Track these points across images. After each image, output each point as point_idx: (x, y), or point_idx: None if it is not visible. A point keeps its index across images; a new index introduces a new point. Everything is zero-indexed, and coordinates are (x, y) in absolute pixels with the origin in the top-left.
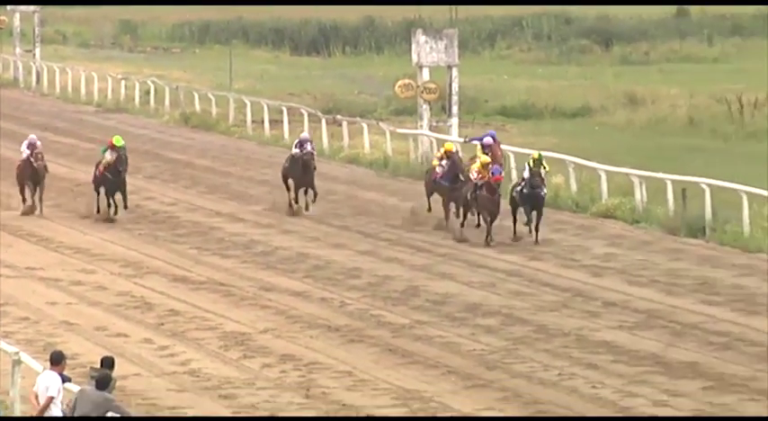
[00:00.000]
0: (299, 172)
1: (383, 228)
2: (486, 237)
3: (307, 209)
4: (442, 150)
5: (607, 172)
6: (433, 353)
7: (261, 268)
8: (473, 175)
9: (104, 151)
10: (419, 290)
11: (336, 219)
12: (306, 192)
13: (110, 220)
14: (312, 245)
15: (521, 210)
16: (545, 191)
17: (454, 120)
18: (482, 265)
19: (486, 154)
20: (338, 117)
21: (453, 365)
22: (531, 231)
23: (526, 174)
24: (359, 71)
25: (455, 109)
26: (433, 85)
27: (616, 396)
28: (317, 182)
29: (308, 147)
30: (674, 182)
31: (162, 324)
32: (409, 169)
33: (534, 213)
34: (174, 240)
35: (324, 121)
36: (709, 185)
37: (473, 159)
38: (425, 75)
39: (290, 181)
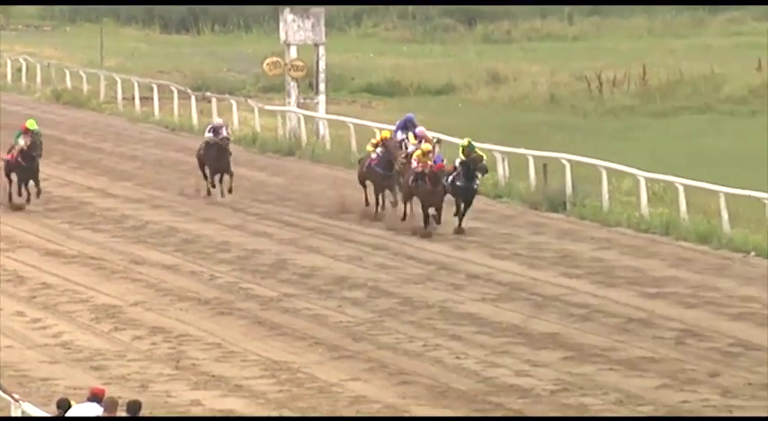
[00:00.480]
0: (214, 157)
1: (251, 202)
2: (425, 224)
3: (223, 195)
4: (378, 137)
5: None
6: (301, 325)
7: (132, 242)
8: (415, 162)
9: (18, 136)
10: (287, 263)
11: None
12: (221, 179)
13: (20, 208)
14: (182, 219)
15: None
16: (478, 183)
17: (321, 98)
18: (349, 239)
19: (419, 142)
20: (207, 94)
21: (320, 337)
22: (459, 223)
23: (458, 163)
24: (228, 49)
25: (322, 86)
26: (300, 63)
27: (479, 366)
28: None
29: (224, 132)
30: (535, 157)
31: (34, 297)
32: (277, 145)
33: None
34: (45, 215)
35: (193, 98)
36: (569, 161)
37: (407, 156)
38: (293, 53)
39: (207, 167)
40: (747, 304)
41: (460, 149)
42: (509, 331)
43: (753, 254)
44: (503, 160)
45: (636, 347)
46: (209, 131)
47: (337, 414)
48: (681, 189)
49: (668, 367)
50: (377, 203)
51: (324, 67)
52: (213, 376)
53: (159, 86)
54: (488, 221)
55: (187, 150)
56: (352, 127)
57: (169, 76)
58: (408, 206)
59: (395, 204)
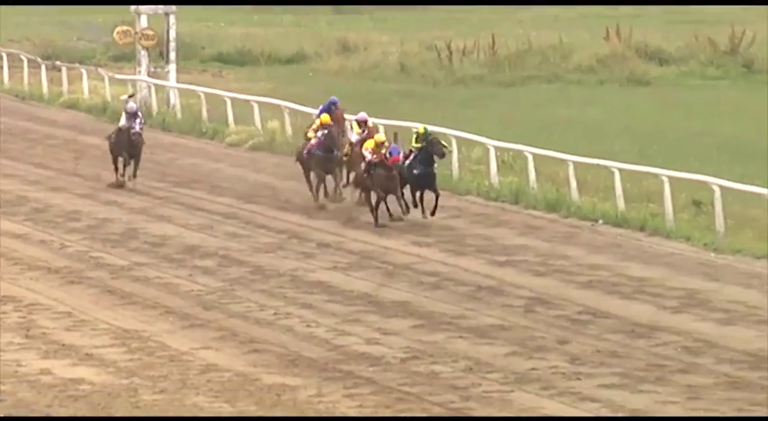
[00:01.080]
0: (126, 146)
1: (102, 172)
2: (385, 214)
3: (129, 179)
4: (318, 122)
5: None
6: (152, 294)
7: None
8: (369, 153)
9: None
10: (138, 232)
11: (56, 163)
12: (128, 163)
13: None
14: (32, 188)
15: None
16: (436, 166)
17: (172, 67)
18: (199, 208)
19: (363, 131)
20: (57, 63)
21: (171, 306)
22: (423, 212)
23: (414, 149)
24: (78, 18)
25: (173, 55)
26: (150, 32)
27: (330, 334)
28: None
29: (137, 125)
30: (386, 126)
31: None
32: None
33: (418, 193)
34: None
35: (43, 67)
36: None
37: (352, 144)
38: (143, 22)
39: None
40: (596, 272)
41: (414, 136)
42: (359, 300)
43: (600, 222)
44: (350, 128)
45: (485, 315)
46: (124, 111)
47: (188, 382)
48: (530, 157)
49: (517, 334)
50: (317, 190)
51: (174, 35)
52: (63, 345)
53: (9, 55)
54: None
55: (37, 119)
56: (202, 96)
57: (19, 46)
58: (360, 194)
59: (336, 189)
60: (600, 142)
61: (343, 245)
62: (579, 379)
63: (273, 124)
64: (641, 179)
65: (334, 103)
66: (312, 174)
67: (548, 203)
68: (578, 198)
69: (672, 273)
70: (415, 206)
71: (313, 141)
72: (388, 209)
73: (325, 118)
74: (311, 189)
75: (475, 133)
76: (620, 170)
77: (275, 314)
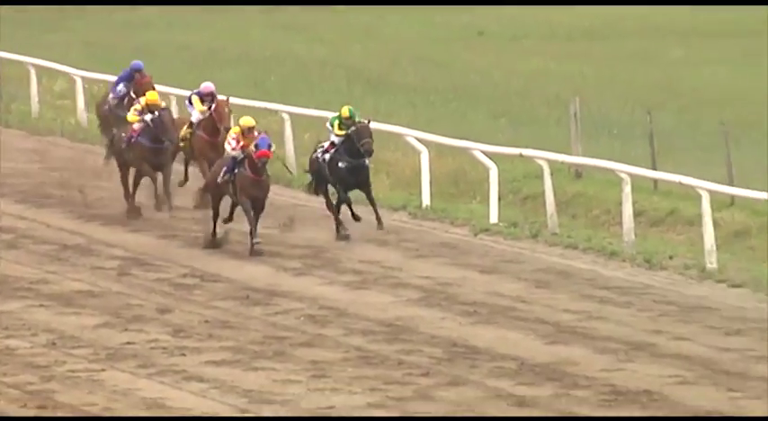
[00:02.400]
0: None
1: None
2: (251, 238)
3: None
4: (142, 102)
5: None
6: None
7: None
8: (229, 145)
9: None
10: None
11: None
12: None
13: None
14: None
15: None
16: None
17: None
18: None
19: (209, 108)
20: None
21: None
22: (352, 215)
23: (335, 139)
24: None
25: None
26: None
27: None
28: None
29: None
30: None
31: None
32: None
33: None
34: None
35: None
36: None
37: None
38: None
39: None
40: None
41: (336, 122)
42: None
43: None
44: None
45: (71, 279)
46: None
47: None
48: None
49: (110, 302)
50: (133, 190)
51: None
52: None
53: None
54: None
55: None
56: None
57: None
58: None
59: (166, 189)
60: (211, 71)
61: None
62: (184, 354)
63: None
64: (261, 116)
65: (137, 69)
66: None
67: None
68: None
69: (297, 225)
70: (337, 204)
71: (135, 126)
72: (253, 237)
73: (152, 96)
74: (127, 190)
75: (57, 61)
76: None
77: None
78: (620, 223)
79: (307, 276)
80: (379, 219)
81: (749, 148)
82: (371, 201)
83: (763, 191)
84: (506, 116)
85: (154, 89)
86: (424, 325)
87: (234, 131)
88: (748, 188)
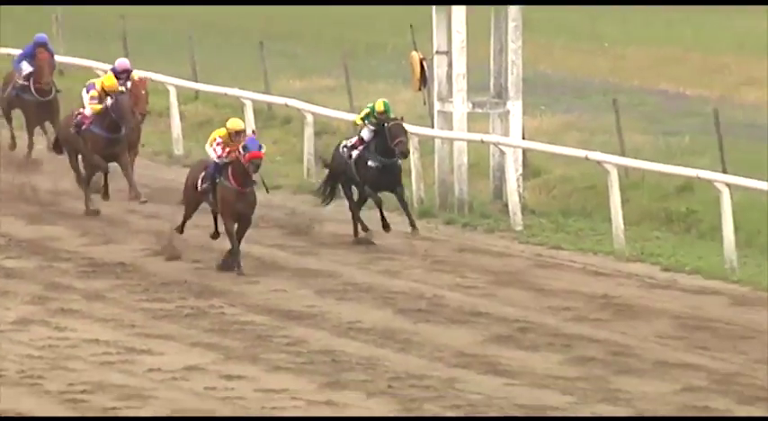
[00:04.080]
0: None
1: None
2: (234, 259)
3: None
4: (98, 87)
5: None
6: None
7: None
8: (214, 150)
9: None
10: None
11: None
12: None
13: None
14: None
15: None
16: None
17: None
18: None
19: (123, 84)
20: None
21: None
22: (383, 223)
23: (366, 135)
24: None
25: None
26: None
27: None
28: None
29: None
30: None
31: None
32: None
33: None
34: None
35: None
36: None
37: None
38: None
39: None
40: None
41: (364, 114)
42: None
43: None
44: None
45: None
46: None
47: None
48: None
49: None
50: (86, 188)
51: None
52: None
53: None
54: None
55: None
56: None
57: None
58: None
59: (136, 195)
60: None
61: None
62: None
63: None
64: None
65: (41, 44)
66: (81, 163)
67: None
68: None
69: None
70: (365, 229)
71: (86, 112)
72: (236, 258)
73: (110, 80)
74: (80, 184)
75: None
76: None
77: None
78: None
79: None
80: (412, 223)
81: (210, 50)
82: (403, 204)
83: (226, 86)
84: None
85: (53, 67)
86: None
87: (218, 134)
88: (210, 84)
